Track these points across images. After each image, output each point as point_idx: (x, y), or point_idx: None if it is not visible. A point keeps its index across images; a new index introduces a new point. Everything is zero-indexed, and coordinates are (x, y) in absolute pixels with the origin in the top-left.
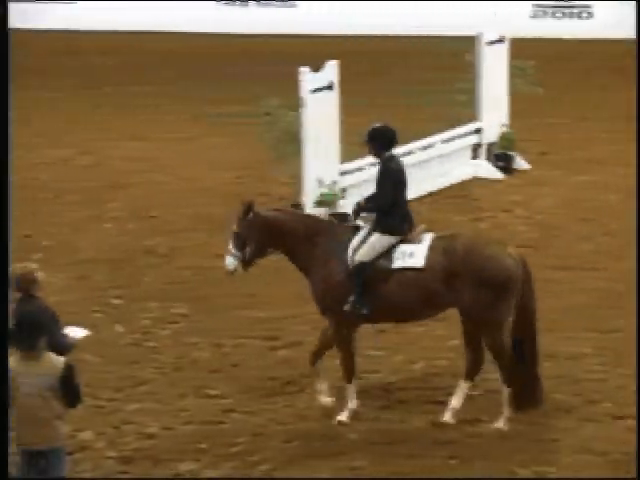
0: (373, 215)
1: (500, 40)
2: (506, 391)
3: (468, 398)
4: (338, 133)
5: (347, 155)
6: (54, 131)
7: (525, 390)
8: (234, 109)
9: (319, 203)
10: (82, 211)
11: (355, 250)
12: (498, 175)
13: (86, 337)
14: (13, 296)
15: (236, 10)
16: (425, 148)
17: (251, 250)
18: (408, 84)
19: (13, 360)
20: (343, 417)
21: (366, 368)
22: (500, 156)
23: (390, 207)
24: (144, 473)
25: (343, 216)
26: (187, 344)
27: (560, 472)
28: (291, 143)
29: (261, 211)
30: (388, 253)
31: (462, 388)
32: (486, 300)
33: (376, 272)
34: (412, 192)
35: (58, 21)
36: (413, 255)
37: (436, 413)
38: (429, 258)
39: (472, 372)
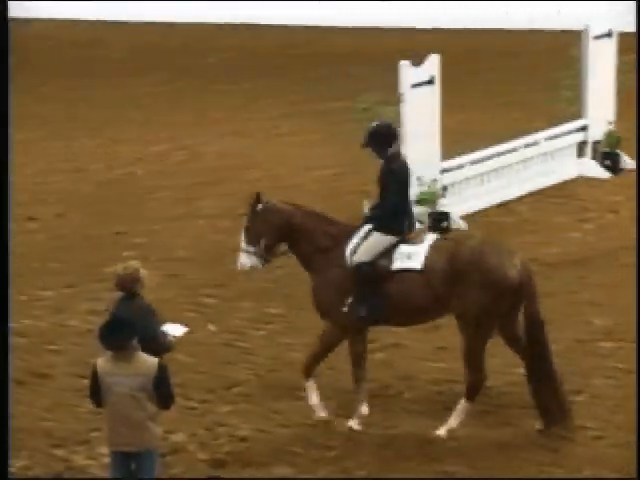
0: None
1: (608, 34)
2: (464, 405)
3: (573, 403)
4: (439, 130)
5: (448, 152)
6: (150, 127)
7: (550, 407)
8: (332, 105)
9: (418, 202)
10: (175, 208)
11: (354, 250)
12: (604, 174)
13: (180, 336)
14: (115, 294)
15: (334, 4)
16: (528, 146)
17: (265, 243)
18: (512, 80)
19: (103, 360)
20: (353, 423)
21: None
22: (606, 155)
23: (397, 208)
24: (236, 477)
25: (443, 215)
26: (282, 345)
27: None
28: None
29: (272, 201)
30: (388, 253)
31: None
32: (481, 305)
33: (375, 273)
34: (513, 191)
35: (144, 14)
36: (411, 257)
37: (538, 419)
38: (429, 260)
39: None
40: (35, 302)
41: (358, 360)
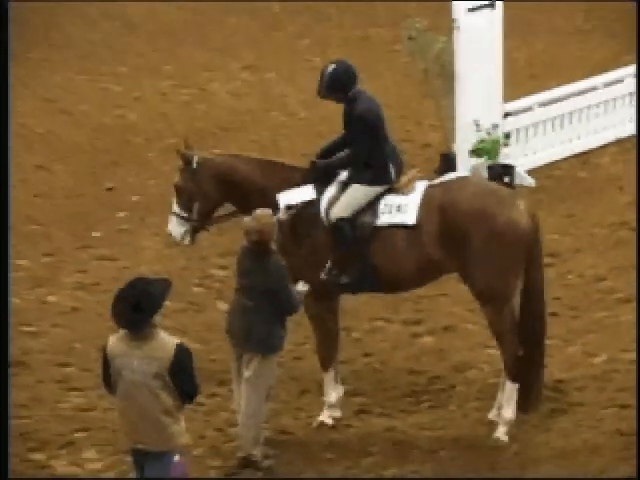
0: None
1: None
2: (509, 387)
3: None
4: (501, 64)
5: (512, 92)
6: (150, 59)
7: (527, 385)
8: (376, 32)
9: (476, 152)
10: (179, 160)
11: (330, 204)
12: None
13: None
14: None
15: None
16: (611, 84)
17: (200, 208)
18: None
19: (116, 338)
20: (325, 417)
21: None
22: None
23: (368, 157)
24: None
25: (506, 169)
26: (309, 328)
27: None
28: (441, 76)
29: (209, 157)
30: (371, 206)
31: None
32: (491, 266)
33: (357, 231)
34: (593, 140)
35: None
36: (402, 209)
37: (625, 420)
38: (422, 213)
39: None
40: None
41: (328, 337)
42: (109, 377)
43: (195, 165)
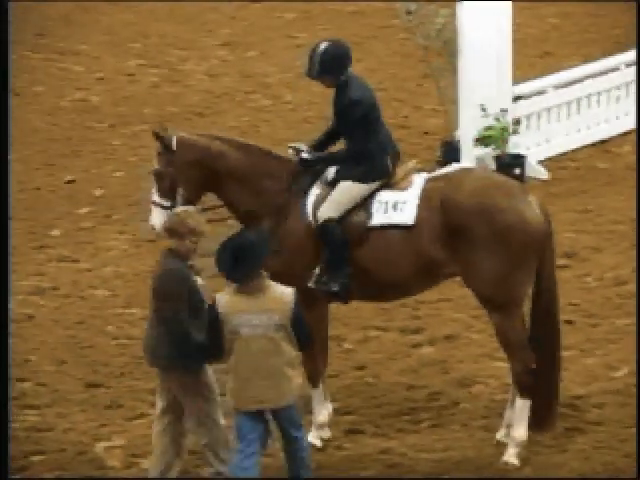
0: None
1: None
2: (520, 404)
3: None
4: (511, 40)
5: (523, 72)
6: (120, 34)
7: (539, 401)
8: (368, 5)
9: (482, 140)
10: (149, 148)
11: (317, 203)
12: None
13: None
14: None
15: None
16: (633, 64)
17: (185, 194)
18: None
19: (226, 296)
20: (312, 438)
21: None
22: None
23: (372, 149)
24: None
25: (516, 159)
26: None
27: None
28: (443, 54)
29: (189, 136)
30: (364, 204)
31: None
32: (498, 268)
33: (348, 232)
34: (614, 126)
35: None
36: (399, 207)
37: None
38: (422, 210)
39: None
40: None
41: (316, 349)
42: (219, 339)
43: (175, 147)
